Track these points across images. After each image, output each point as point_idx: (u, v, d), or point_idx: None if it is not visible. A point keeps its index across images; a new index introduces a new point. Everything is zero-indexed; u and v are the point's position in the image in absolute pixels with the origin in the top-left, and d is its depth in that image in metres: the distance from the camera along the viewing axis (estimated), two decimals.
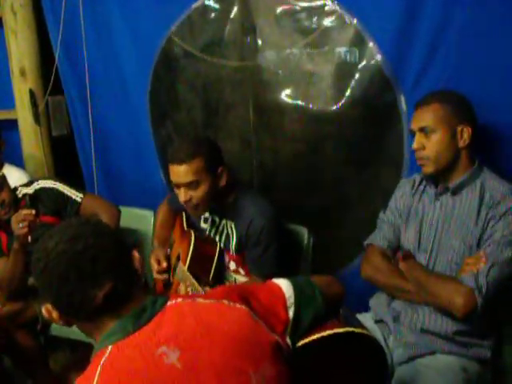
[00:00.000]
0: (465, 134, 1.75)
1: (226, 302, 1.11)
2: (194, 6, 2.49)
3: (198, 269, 2.01)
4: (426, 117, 1.77)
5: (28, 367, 2.44)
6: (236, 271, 2.14)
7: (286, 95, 2.35)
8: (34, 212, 2.21)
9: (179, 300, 1.11)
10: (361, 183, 2.32)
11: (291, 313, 1.18)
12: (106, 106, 3.03)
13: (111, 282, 1.07)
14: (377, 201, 2.24)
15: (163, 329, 1.03)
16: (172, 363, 0.97)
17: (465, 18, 1.87)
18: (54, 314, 1.11)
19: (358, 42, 2.12)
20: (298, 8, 2.22)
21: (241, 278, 2.13)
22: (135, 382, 0.94)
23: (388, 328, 1.86)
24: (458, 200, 1.78)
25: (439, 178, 1.84)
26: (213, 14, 2.46)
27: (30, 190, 2.52)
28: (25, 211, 2.21)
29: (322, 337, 1.19)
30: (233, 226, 2.09)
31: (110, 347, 1.01)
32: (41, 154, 3.21)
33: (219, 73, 2.52)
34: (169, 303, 1.10)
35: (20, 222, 2.17)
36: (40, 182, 2.57)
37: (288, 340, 1.16)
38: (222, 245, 2.14)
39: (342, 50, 2.16)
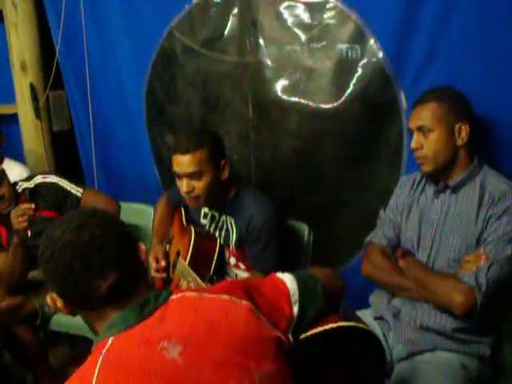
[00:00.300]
0: (463, 132, 1.74)
1: (229, 297, 1.11)
2: (195, 1, 2.49)
3: (199, 264, 2.01)
4: (424, 116, 1.77)
5: (27, 362, 2.44)
6: (236, 266, 2.14)
7: (285, 91, 2.34)
8: (33, 206, 2.21)
9: (183, 294, 1.11)
10: (360, 180, 2.31)
11: (296, 309, 1.18)
12: (106, 101, 3.04)
13: (116, 274, 1.07)
14: (376, 198, 2.25)
15: (165, 323, 1.03)
16: (173, 358, 0.97)
17: (465, 15, 1.87)
18: (59, 303, 1.11)
19: (359, 39, 2.11)
20: (298, 4, 2.21)
21: (241, 273, 2.13)
22: (135, 375, 0.94)
23: (388, 325, 1.87)
24: (457, 198, 1.78)
25: (439, 176, 1.84)
26: (214, 10, 2.46)
27: (30, 185, 2.52)
28: (24, 205, 2.21)
29: (322, 331, 1.19)
30: (233, 221, 2.09)
31: (111, 339, 1.01)
32: (41, 148, 3.22)
33: (219, 68, 2.51)
34: (172, 297, 1.10)
35: (20, 216, 2.16)
36: (40, 176, 2.57)
37: (290, 336, 1.16)
38: (221, 240, 2.14)
39: (342, 46, 2.15)
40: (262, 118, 2.46)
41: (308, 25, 2.21)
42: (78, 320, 1.19)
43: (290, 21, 2.25)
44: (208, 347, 1.00)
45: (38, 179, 2.54)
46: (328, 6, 2.14)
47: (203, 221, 2.24)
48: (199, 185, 1.97)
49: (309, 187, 2.44)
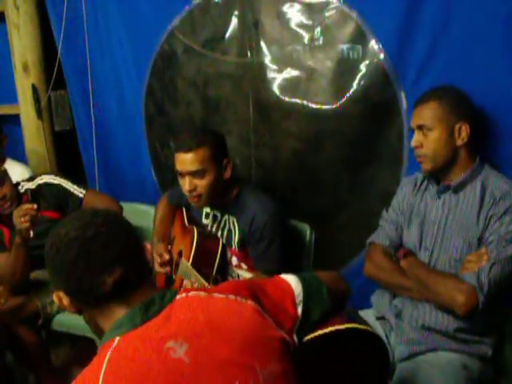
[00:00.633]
0: (463, 132, 1.74)
1: (234, 297, 1.11)
2: (196, 1, 2.49)
3: (202, 265, 2.01)
4: (424, 115, 1.77)
5: (29, 362, 2.44)
6: (238, 266, 2.14)
7: (286, 92, 2.34)
8: (35, 207, 2.21)
9: (188, 294, 1.11)
10: (360, 181, 2.30)
11: (300, 310, 1.18)
12: (106, 102, 3.05)
13: (121, 269, 1.08)
14: (376, 199, 2.25)
15: (171, 322, 1.03)
16: (179, 357, 0.97)
17: (466, 15, 1.86)
18: (65, 301, 1.12)
19: (360, 39, 2.11)
20: (300, 4, 2.21)
21: (243, 273, 2.13)
22: (142, 375, 0.94)
23: (389, 325, 1.87)
24: (459, 198, 1.78)
25: (439, 176, 1.84)
26: (214, 10, 2.46)
27: (32, 185, 2.53)
28: (26, 206, 2.21)
29: (326, 333, 1.19)
30: (235, 221, 2.09)
31: (117, 339, 1.01)
32: (43, 149, 3.22)
33: (220, 69, 2.51)
34: (178, 297, 1.10)
35: (22, 216, 2.17)
36: (43, 177, 2.58)
37: (295, 336, 1.16)
38: (223, 240, 2.14)
39: (343, 46, 2.15)
40: (263, 118, 2.46)
41: (309, 25, 2.21)
42: (80, 320, 1.20)
43: (291, 21, 2.25)
44: (213, 347, 1.00)
45: (41, 180, 2.55)
46: (329, 7, 2.15)
47: (205, 221, 2.24)
48: (201, 183, 1.97)
49: (310, 188, 2.44)
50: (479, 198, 1.73)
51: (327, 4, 2.15)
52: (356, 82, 2.15)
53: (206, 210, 2.22)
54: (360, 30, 2.10)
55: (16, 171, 2.70)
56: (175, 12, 2.57)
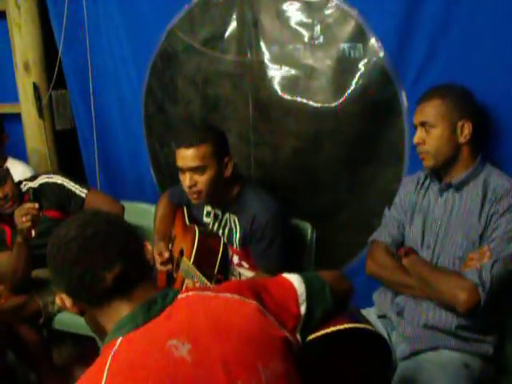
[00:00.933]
0: (465, 130, 1.75)
1: (237, 296, 1.11)
2: (195, 0, 2.48)
3: (203, 263, 2.01)
4: (427, 112, 1.78)
5: (31, 361, 2.45)
6: (239, 265, 2.14)
7: (286, 90, 2.33)
8: (37, 206, 2.21)
9: (190, 293, 1.11)
10: (361, 180, 2.30)
11: (303, 309, 1.18)
12: (106, 101, 3.05)
13: (121, 266, 1.09)
14: (377, 198, 2.25)
15: (174, 322, 1.04)
16: (182, 356, 0.97)
17: (467, 13, 1.86)
18: (68, 302, 1.13)
19: (360, 37, 2.10)
20: (299, 3, 2.21)
21: (244, 272, 2.13)
22: (145, 374, 0.94)
23: (391, 323, 1.87)
24: (461, 196, 1.78)
25: (441, 173, 1.84)
26: (214, 9, 2.45)
27: (34, 184, 2.53)
28: (28, 205, 2.21)
29: (329, 333, 1.19)
30: (236, 220, 2.09)
31: (120, 339, 1.01)
32: (44, 148, 3.22)
33: (219, 67, 2.51)
34: (180, 296, 1.10)
35: (23, 215, 2.17)
36: (44, 176, 2.58)
37: (298, 336, 1.16)
38: (225, 239, 2.14)
39: (343, 45, 2.14)
40: (263, 117, 2.45)
41: (309, 24, 2.21)
42: (81, 319, 1.20)
43: (290, 20, 2.25)
44: (216, 346, 1.01)
45: (43, 179, 2.55)
46: (329, 5, 2.14)
47: (206, 219, 2.24)
48: (202, 179, 1.98)
49: (310, 187, 2.43)
50: (481, 196, 1.73)
51: (327, 2, 2.14)
52: (356, 80, 2.14)
53: (207, 208, 2.23)
54: (360, 29, 2.09)
55: (17, 170, 2.70)
56: (175, 11, 2.57)
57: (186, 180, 1.99)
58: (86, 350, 2.68)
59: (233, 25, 2.42)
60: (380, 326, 1.87)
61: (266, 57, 2.35)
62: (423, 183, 1.93)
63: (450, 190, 1.81)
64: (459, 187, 1.79)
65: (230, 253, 2.14)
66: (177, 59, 2.66)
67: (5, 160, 2.90)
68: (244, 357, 1.01)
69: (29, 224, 2.17)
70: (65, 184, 2.54)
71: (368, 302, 2.01)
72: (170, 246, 2.31)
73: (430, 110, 1.77)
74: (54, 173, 2.70)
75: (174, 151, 2.02)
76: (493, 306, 1.64)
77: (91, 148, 3.20)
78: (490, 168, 1.79)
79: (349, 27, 2.12)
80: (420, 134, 1.80)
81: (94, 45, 2.94)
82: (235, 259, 2.14)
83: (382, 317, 1.92)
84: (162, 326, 1.03)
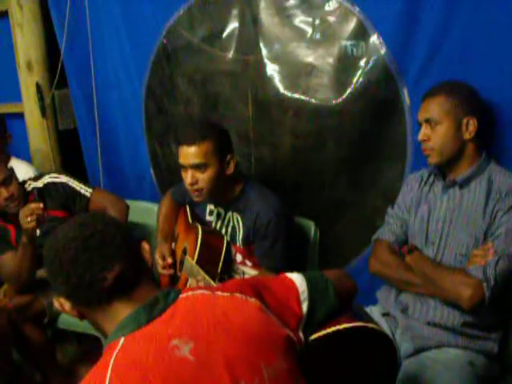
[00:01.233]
0: (470, 127, 1.74)
1: (239, 295, 1.11)
2: None
3: (207, 262, 2.01)
4: (432, 108, 1.77)
5: (36, 360, 2.46)
6: (242, 263, 2.13)
7: (286, 89, 2.32)
8: (42, 206, 2.21)
9: (192, 293, 1.11)
10: (363, 179, 2.29)
11: (305, 307, 1.18)
12: (107, 100, 3.06)
13: (120, 266, 1.09)
14: (380, 196, 2.25)
15: (176, 321, 1.04)
16: (184, 356, 0.97)
17: (469, 11, 1.85)
18: (67, 306, 1.13)
19: (361, 35, 2.09)
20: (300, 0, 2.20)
21: (248, 270, 2.13)
22: (147, 374, 0.94)
23: (395, 321, 1.87)
24: (465, 193, 1.78)
25: (446, 171, 1.84)
26: (213, 6, 2.45)
27: (38, 184, 2.53)
28: (33, 205, 2.21)
29: (334, 331, 1.19)
30: (239, 218, 2.09)
31: (122, 339, 1.01)
32: (47, 147, 3.23)
33: (219, 66, 2.50)
34: (182, 296, 1.10)
35: (28, 215, 2.16)
36: (49, 175, 2.58)
37: (301, 334, 1.16)
38: (228, 237, 2.14)
39: (344, 42, 2.13)
40: (263, 116, 2.45)
41: (309, 21, 2.20)
42: None
43: (291, 17, 2.24)
44: (218, 345, 1.01)
45: (47, 178, 2.55)
46: (330, 2, 2.13)
47: (209, 218, 2.24)
48: (203, 177, 1.97)
49: (311, 186, 2.43)
50: (485, 193, 1.73)
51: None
52: (358, 78, 2.13)
53: (210, 206, 2.23)
54: (362, 26, 2.08)
55: (20, 170, 2.70)
56: (174, 9, 2.57)
57: (187, 177, 1.99)
58: (91, 349, 2.69)
59: (232, 22, 2.42)
60: (384, 324, 1.86)
61: (266, 55, 2.34)
62: (427, 181, 1.92)
63: (454, 187, 1.81)
64: (463, 184, 1.78)
65: (233, 251, 2.14)
66: (176, 57, 2.66)
67: (8, 159, 2.90)
68: (247, 356, 1.01)
69: (34, 224, 2.17)
70: (69, 183, 2.54)
71: (372, 299, 2.01)
72: (174, 245, 2.31)
73: (435, 107, 1.76)
74: (59, 172, 2.70)
75: (174, 150, 2.02)
76: (497, 303, 1.64)
77: (93, 147, 3.21)
78: (494, 165, 1.78)
79: (350, 24, 2.11)
80: (425, 130, 1.79)
81: (95, 44, 2.94)
82: (238, 258, 2.14)
83: (385, 315, 1.91)
84: (165, 325, 1.03)
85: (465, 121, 1.74)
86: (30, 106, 3.19)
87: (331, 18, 2.15)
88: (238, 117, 2.52)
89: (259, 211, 2.01)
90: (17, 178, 2.42)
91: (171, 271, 2.20)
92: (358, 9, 2.08)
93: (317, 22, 2.18)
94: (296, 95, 2.30)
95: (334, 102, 2.21)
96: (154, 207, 2.61)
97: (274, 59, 2.33)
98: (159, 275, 2.27)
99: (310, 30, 2.21)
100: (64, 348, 2.84)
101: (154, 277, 2.44)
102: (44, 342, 2.42)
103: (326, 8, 2.15)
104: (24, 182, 2.52)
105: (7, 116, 3.08)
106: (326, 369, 1.21)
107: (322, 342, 1.19)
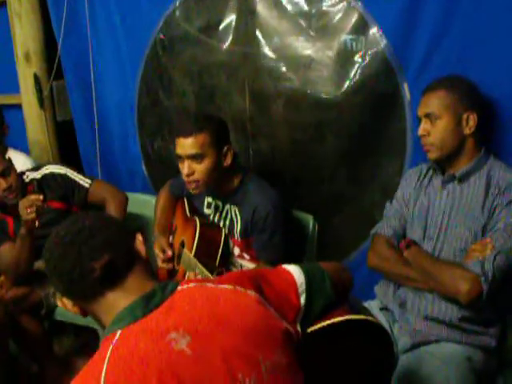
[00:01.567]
0: (470, 122, 1.74)
1: (237, 287, 1.11)
2: None
3: (205, 255, 2.01)
4: (432, 103, 1.77)
5: (32, 352, 2.46)
6: (240, 256, 2.13)
7: (284, 81, 2.31)
8: (41, 197, 2.20)
9: (190, 285, 1.11)
10: (362, 173, 2.29)
11: (303, 300, 1.18)
12: (103, 92, 3.05)
13: (108, 255, 1.10)
14: (379, 191, 2.25)
15: (173, 314, 1.03)
16: (181, 349, 0.97)
17: (471, 5, 1.85)
18: (69, 305, 1.15)
19: (361, 28, 2.08)
20: None
21: (246, 263, 2.12)
22: (144, 367, 0.94)
23: (393, 315, 1.87)
24: (464, 188, 1.78)
25: (445, 166, 1.84)
26: None
27: (37, 175, 2.52)
28: (33, 196, 2.20)
29: (330, 324, 1.19)
30: (237, 211, 2.09)
31: (119, 332, 1.01)
32: (45, 138, 3.22)
33: (215, 58, 2.49)
34: (179, 288, 1.10)
35: (28, 207, 2.16)
36: (48, 167, 2.57)
37: (298, 327, 1.16)
38: (225, 230, 2.13)
39: (343, 35, 2.12)
40: (260, 108, 2.44)
41: (307, 13, 2.18)
42: None
43: (288, 9, 2.23)
44: (216, 338, 1.00)
45: (46, 170, 2.54)
46: None
47: (207, 210, 2.23)
48: (199, 168, 1.97)
49: (310, 180, 2.43)
50: (484, 188, 1.73)
51: None
52: (357, 72, 2.12)
53: (208, 199, 2.22)
54: (362, 19, 2.07)
55: (18, 161, 2.69)
56: (170, 0, 2.55)
57: (184, 168, 1.99)
58: (88, 342, 2.69)
59: (230, 14, 2.40)
60: (382, 318, 1.86)
61: (264, 47, 2.33)
62: (425, 175, 1.92)
63: (453, 182, 1.81)
64: (463, 179, 1.78)
65: (231, 244, 2.14)
66: (172, 49, 2.65)
67: (5, 151, 2.89)
68: (244, 348, 1.01)
69: (33, 215, 2.17)
70: (68, 174, 2.54)
71: (370, 294, 2.01)
72: (171, 238, 2.31)
73: (436, 102, 1.76)
74: (57, 163, 2.70)
75: (168, 144, 2.02)
76: (495, 298, 1.64)
77: (88, 139, 3.20)
78: (493, 160, 1.78)
79: (350, 17, 2.10)
80: (425, 125, 1.79)
81: (92, 37, 2.93)
82: (236, 251, 2.13)
83: (384, 309, 1.92)
84: (162, 318, 1.02)
85: (465, 116, 1.74)
86: (27, 97, 3.18)
87: (330, 11, 2.13)
88: (236, 109, 2.52)
89: (257, 204, 2.01)
90: (15, 170, 2.41)
91: (171, 265, 2.20)
92: (358, 2, 2.06)
93: (315, 14, 2.17)
94: (294, 88, 2.29)
95: (333, 95, 2.20)
96: (152, 199, 2.60)
97: (272, 52, 2.32)
98: (157, 269, 2.26)
99: (308, 23, 2.19)
100: (61, 340, 2.84)
101: (152, 269, 2.43)
102: (41, 333, 2.42)
103: (326, 0, 2.13)
104: (22, 173, 2.51)
105: (5, 107, 3.07)
106: (323, 362, 1.20)
107: (318, 334, 1.19)
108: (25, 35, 3.06)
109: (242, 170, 2.13)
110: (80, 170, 2.68)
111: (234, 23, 2.40)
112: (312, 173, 2.40)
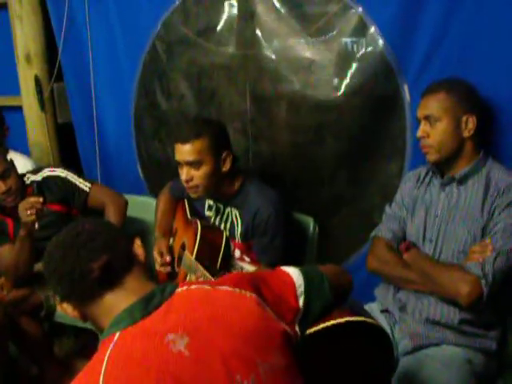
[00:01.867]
0: (470, 124, 1.74)
1: (236, 289, 1.11)
2: None
3: (206, 258, 2.00)
4: (431, 105, 1.77)
5: (32, 353, 2.45)
6: (241, 259, 2.13)
7: (284, 84, 2.31)
8: (41, 200, 2.20)
9: (188, 287, 1.11)
10: (362, 175, 2.29)
11: (301, 302, 1.18)
12: (101, 94, 3.04)
13: (106, 257, 1.11)
14: (379, 193, 2.25)
15: (172, 316, 1.03)
16: (179, 350, 0.97)
17: (470, 7, 1.85)
18: (69, 310, 1.15)
19: (361, 29, 2.08)
20: None
21: (246, 266, 2.12)
22: (142, 369, 0.94)
23: (394, 318, 1.87)
24: (463, 190, 1.78)
25: (444, 168, 1.84)
26: (209, 0, 2.43)
27: (37, 178, 2.52)
28: (32, 199, 2.20)
29: (330, 326, 1.19)
30: (237, 214, 2.09)
31: (117, 334, 1.01)
32: (46, 141, 3.21)
33: (215, 60, 2.49)
34: (178, 290, 1.10)
35: (28, 209, 2.16)
36: (48, 169, 2.57)
37: (297, 329, 1.16)
38: (226, 233, 2.13)
39: (343, 37, 2.12)
40: (261, 111, 2.44)
41: (307, 15, 2.19)
42: None
43: (287, 12, 2.23)
44: (214, 340, 1.00)
45: (46, 172, 2.54)
46: None
47: (208, 213, 2.23)
48: (198, 174, 1.97)
49: (310, 182, 2.42)
50: (483, 190, 1.73)
51: None
52: (357, 74, 2.12)
53: (209, 202, 2.22)
54: (361, 20, 2.07)
55: (18, 163, 2.68)
56: (169, 3, 2.55)
57: (182, 174, 2.00)
58: (87, 343, 2.69)
59: (229, 17, 2.40)
60: (383, 321, 1.86)
61: (263, 49, 2.33)
62: (424, 178, 1.92)
63: (452, 184, 1.81)
64: (462, 181, 1.79)
65: (232, 247, 2.14)
66: (171, 52, 2.64)
67: (6, 152, 2.89)
68: (243, 351, 1.01)
69: (33, 218, 2.16)
70: (68, 178, 2.54)
71: (370, 297, 2.01)
72: (172, 240, 2.30)
73: (435, 104, 1.76)
74: (58, 166, 2.70)
75: (165, 146, 2.02)
76: (495, 300, 1.65)
77: (88, 142, 3.19)
78: (492, 162, 1.79)
79: (349, 19, 2.10)
80: (424, 127, 1.79)
81: (92, 39, 2.93)
82: (237, 253, 2.13)
83: (384, 311, 1.92)
84: (161, 320, 1.03)
85: (464, 118, 1.74)
86: (28, 99, 3.18)
87: (330, 12, 2.13)
88: (236, 111, 2.51)
89: (258, 207, 2.01)
90: (16, 172, 2.41)
91: (169, 269, 2.19)
92: (357, 3, 2.06)
93: (314, 16, 2.17)
94: (295, 90, 2.29)
95: (332, 97, 2.20)
96: (152, 202, 2.59)
97: (271, 54, 2.32)
98: (157, 271, 2.26)
99: (307, 25, 2.19)
100: (61, 342, 2.83)
101: (152, 272, 2.44)
102: (41, 335, 2.42)
103: (325, 2, 2.13)
104: (23, 175, 2.51)
105: (5, 109, 3.07)
106: (323, 364, 1.20)
107: (318, 336, 1.19)
108: (25, 37, 3.06)
109: (242, 173, 2.12)
110: (80, 172, 2.68)
111: (234, 25, 2.40)
112: (312, 175, 2.40)
